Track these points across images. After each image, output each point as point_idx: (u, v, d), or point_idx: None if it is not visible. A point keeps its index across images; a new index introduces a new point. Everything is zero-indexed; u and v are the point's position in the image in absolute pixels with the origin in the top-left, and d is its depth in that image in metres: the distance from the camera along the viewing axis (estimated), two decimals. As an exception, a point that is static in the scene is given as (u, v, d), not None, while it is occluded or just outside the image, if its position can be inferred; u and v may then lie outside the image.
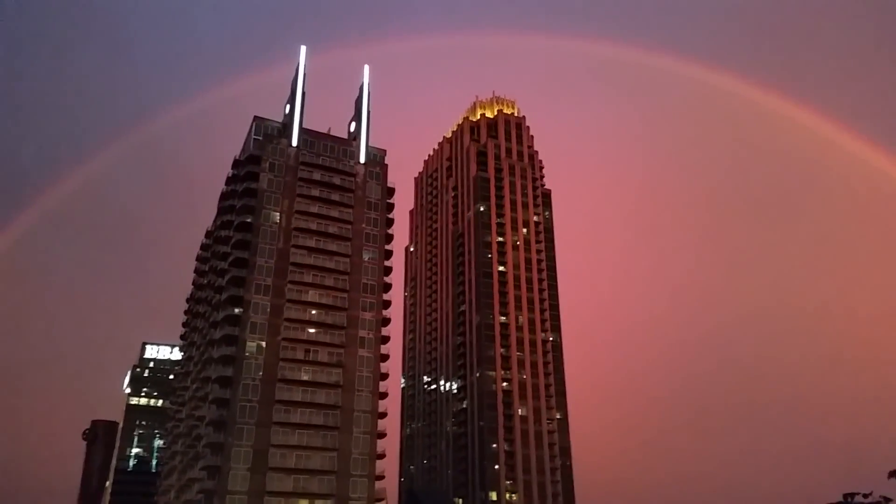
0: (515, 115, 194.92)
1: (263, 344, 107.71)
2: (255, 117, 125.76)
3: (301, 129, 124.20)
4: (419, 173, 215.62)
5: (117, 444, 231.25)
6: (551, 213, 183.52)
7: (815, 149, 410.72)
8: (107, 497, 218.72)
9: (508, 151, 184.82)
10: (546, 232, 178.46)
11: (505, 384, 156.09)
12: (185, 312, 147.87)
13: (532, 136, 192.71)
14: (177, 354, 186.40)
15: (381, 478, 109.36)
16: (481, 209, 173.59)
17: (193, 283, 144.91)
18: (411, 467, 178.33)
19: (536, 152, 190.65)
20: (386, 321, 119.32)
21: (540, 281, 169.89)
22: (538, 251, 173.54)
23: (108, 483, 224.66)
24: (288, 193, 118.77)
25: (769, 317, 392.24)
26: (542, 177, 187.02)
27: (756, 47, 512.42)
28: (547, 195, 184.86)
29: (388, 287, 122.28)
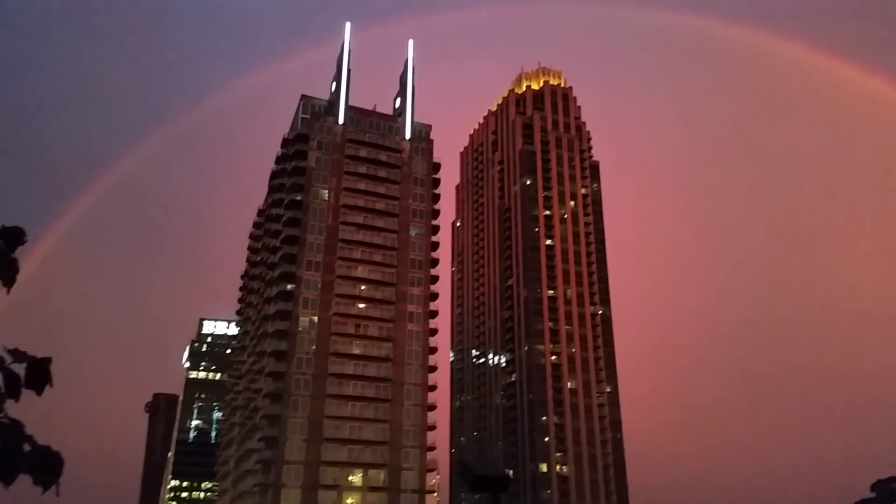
0: (562, 85, 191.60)
1: (315, 319, 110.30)
2: (303, 96, 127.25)
3: (347, 106, 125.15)
4: (465, 148, 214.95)
5: (178, 417, 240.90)
6: (599, 185, 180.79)
7: (877, 120, 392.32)
8: (169, 467, 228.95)
9: (555, 123, 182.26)
10: (594, 204, 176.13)
11: (554, 358, 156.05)
12: (240, 289, 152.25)
13: (579, 107, 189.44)
14: (233, 329, 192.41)
15: (433, 449, 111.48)
16: (528, 183, 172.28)
17: (247, 261, 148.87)
18: (462, 439, 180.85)
19: (584, 123, 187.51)
20: (434, 296, 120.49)
21: (588, 254, 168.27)
22: (586, 224, 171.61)
23: (170, 454, 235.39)
24: (336, 171, 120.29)
25: (820, 286, 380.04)
26: (589, 148, 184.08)
27: (813, 11, 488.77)
28: (595, 167, 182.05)
29: (435, 262, 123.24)
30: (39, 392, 2.79)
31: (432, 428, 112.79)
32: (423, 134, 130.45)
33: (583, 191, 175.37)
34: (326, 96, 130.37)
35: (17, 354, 2.77)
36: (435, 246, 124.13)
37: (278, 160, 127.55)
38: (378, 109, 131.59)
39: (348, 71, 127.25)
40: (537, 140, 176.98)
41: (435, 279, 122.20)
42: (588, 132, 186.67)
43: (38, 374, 2.78)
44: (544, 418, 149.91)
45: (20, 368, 2.77)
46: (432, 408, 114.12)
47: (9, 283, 2.85)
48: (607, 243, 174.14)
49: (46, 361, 2.79)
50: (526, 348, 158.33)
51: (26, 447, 2.76)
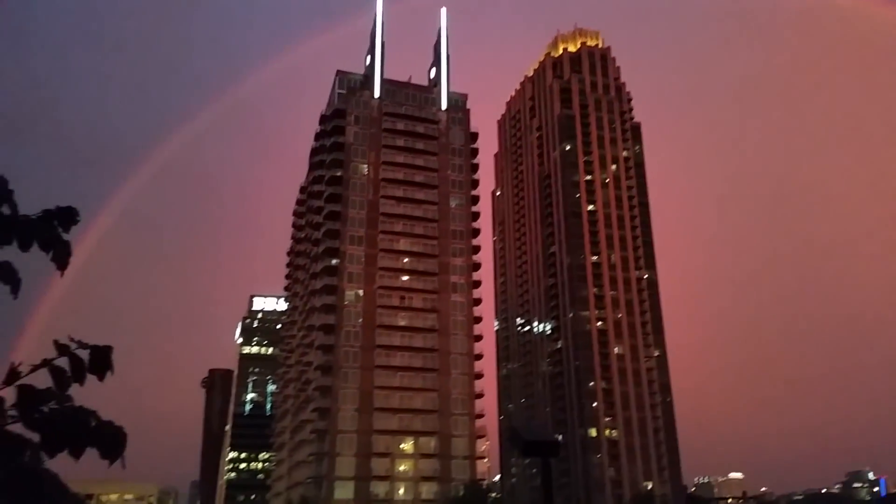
0: (599, 46, 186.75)
1: (361, 292, 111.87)
2: (338, 71, 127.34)
3: (382, 79, 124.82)
4: (502, 116, 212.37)
5: (234, 391, 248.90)
6: (641, 146, 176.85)
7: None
8: (227, 440, 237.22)
9: (594, 85, 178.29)
10: (637, 167, 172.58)
11: (600, 324, 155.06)
12: (287, 265, 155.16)
13: (618, 68, 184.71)
14: (282, 305, 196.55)
15: (481, 416, 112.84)
16: (567, 148, 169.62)
17: (293, 238, 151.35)
18: (509, 406, 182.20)
19: (623, 84, 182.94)
20: (476, 266, 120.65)
21: (632, 218, 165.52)
22: (629, 187, 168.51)
23: (227, 427, 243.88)
24: (374, 145, 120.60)
25: (868, 243, 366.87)
26: (630, 110, 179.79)
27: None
28: (636, 128, 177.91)
29: (476, 232, 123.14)
30: (101, 378, 2.93)
31: (480, 396, 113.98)
32: (459, 103, 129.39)
33: (624, 153, 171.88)
34: (362, 70, 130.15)
35: (80, 343, 2.91)
36: (475, 216, 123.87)
37: (317, 137, 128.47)
38: (413, 81, 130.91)
39: (382, 44, 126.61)
40: (576, 104, 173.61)
41: (477, 249, 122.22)
42: (628, 93, 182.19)
43: (101, 360, 2.93)
44: (592, 384, 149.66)
45: (84, 354, 2.93)
46: (479, 376, 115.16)
47: (62, 266, 2.98)
48: (651, 206, 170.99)
49: (108, 349, 2.94)
50: (571, 315, 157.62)
51: (92, 423, 2.85)
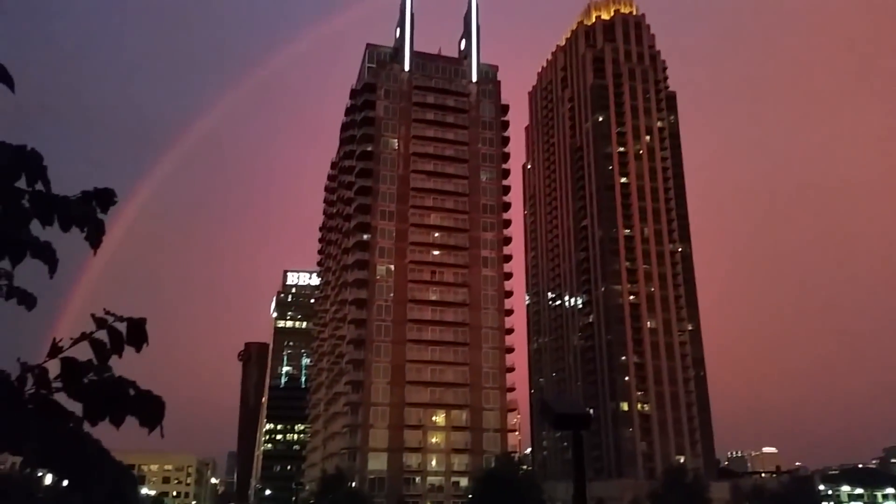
0: (633, 13, 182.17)
1: (392, 267, 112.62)
2: (368, 45, 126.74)
3: (412, 52, 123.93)
4: (533, 87, 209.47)
5: (269, 364, 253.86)
6: (677, 116, 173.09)
7: None
8: (264, 411, 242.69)
9: (627, 54, 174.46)
10: (671, 137, 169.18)
11: (632, 297, 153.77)
12: (320, 241, 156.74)
13: (653, 35, 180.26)
14: (315, 280, 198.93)
15: (512, 390, 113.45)
16: (600, 119, 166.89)
17: (324, 213, 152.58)
18: (540, 380, 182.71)
19: (658, 52, 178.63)
20: (507, 240, 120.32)
21: (666, 190, 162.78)
22: (663, 159, 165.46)
23: (263, 399, 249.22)
24: (404, 119, 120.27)
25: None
26: (665, 79, 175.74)
27: None
28: (671, 98, 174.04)
29: (507, 206, 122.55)
30: (138, 349, 3.05)
31: (511, 370, 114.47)
32: (489, 75, 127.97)
33: (659, 124, 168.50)
34: (391, 43, 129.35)
35: (117, 316, 3.03)
36: (506, 190, 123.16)
37: (348, 111, 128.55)
38: (443, 53, 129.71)
39: (411, 15, 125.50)
40: (609, 73, 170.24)
41: (507, 223, 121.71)
42: (663, 61, 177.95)
43: (137, 332, 3.03)
44: (624, 358, 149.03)
45: (122, 328, 3.04)
46: (510, 350, 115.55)
47: (96, 244, 3.07)
48: (686, 177, 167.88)
49: (142, 321, 3.04)
50: (603, 289, 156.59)
51: (131, 392, 2.98)
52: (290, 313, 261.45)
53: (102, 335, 2.94)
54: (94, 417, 2.87)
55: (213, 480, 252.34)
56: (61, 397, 2.91)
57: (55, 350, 2.96)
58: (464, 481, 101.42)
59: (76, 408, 2.89)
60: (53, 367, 2.95)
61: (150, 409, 2.94)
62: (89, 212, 3.08)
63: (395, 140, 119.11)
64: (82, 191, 3.12)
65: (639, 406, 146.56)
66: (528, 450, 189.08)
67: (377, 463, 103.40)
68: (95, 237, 3.09)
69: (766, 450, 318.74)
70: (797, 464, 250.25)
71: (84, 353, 2.96)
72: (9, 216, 2.94)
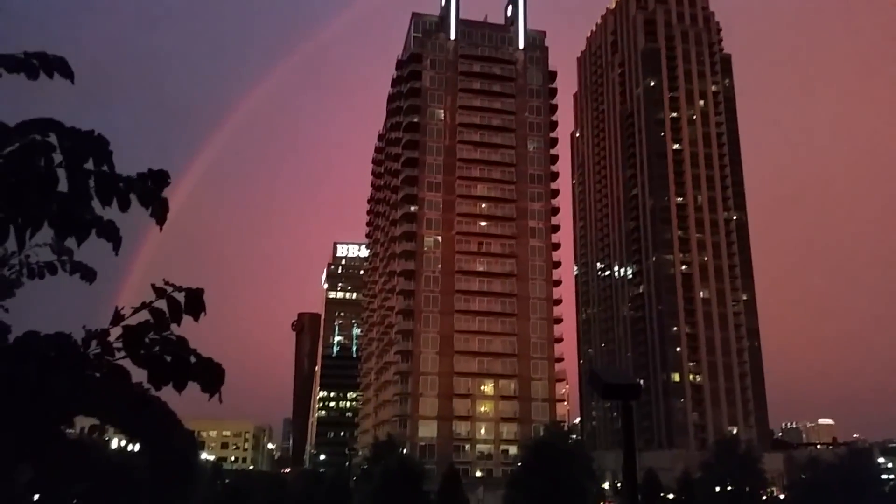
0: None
1: (439, 238, 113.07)
2: (413, 14, 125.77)
3: (458, 20, 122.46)
4: (581, 52, 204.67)
5: (321, 334, 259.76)
6: (732, 80, 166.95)
7: None
8: (317, 379, 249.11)
9: (680, 16, 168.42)
10: (726, 102, 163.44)
11: (684, 267, 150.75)
12: (368, 213, 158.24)
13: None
14: (364, 252, 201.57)
15: (560, 360, 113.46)
16: (651, 84, 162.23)
17: (372, 185, 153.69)
18: (589, 350, 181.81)
19: (713, 13, 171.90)
20: (555, 210, 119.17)
21: (721, 156, 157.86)
22: (718, 124, 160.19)
23: (316, 367, 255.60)
24: (450, 89, 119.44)
25: None
26: (720, 41, 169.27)
27: None
28: (726, 60, 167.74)
29: (555, 176, 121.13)
30: (196, 318, 3.19)
31: (559, 340, 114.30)
32: (537, 42, 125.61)
33: (713, 88, 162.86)
34: (437, 12, 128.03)
35: (176, 286, 3.17)
36: (554, 159, 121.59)
37: (394, 83, 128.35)
38: (489, 20, 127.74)
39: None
40: (661, 36, 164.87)
41: (555, 193, 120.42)
42: (717, 23, 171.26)
43: (195, 302, 3.17)
44: (675, 328, 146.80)
45: (180, 297, 3.18)
46: (558, 321, 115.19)
47: (161, 220, 3.22)
48: (742, 143, 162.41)
49: (200, 291, 3.18)
50: (654, 259, 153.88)
51: (192, 359, 3.13)
52: (340, 284, 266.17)
53: (162, 304, 3.09)
54: (158, 382, 3.03)
55: (270, 446, 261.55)
56: (125, 364, 3.08)
57: (118, 318, 3.12)
58: (513, 449, 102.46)
59: (139, 374, 3.06)
60: (116, 337, 3.12)
61: (210, 376, 3.09)
62: (154, 191, 3.23)
63: (442, 111, 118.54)
64: (138, 172, 3.27)
65: (690, 377, 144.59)
66: (577, 419, 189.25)
67: (427, 430, 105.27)
68: (161, 214, 3.25)
69: (823, 421, 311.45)
70: (855, 436, 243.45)
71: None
72: (75, 197, 3.10)
